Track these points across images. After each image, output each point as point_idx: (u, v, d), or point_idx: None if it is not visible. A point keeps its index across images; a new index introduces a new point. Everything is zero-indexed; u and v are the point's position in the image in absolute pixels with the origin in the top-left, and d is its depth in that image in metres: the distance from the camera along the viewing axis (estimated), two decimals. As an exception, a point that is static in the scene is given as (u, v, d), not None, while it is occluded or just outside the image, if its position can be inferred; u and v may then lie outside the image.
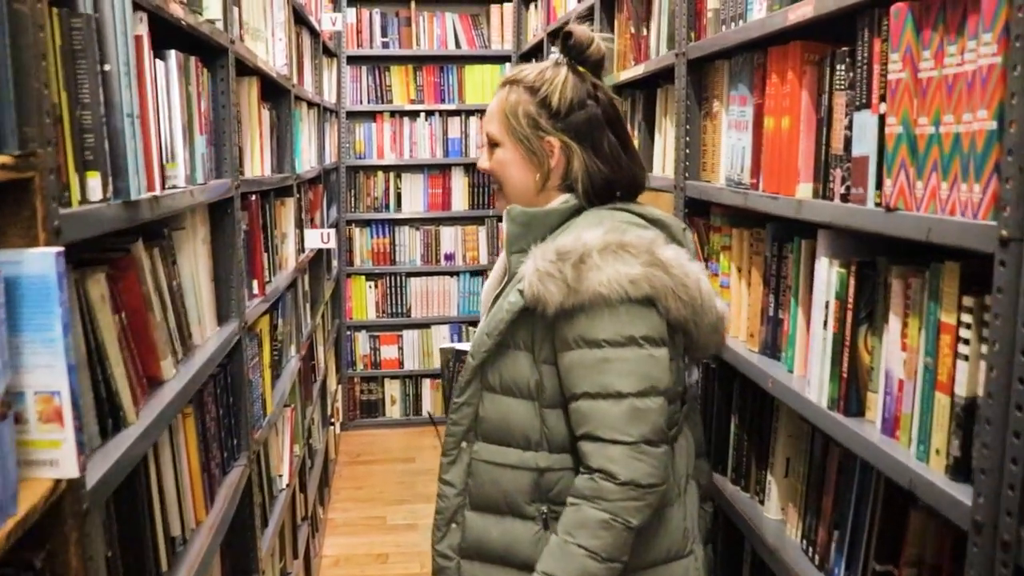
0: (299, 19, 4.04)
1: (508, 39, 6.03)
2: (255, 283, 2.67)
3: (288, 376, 3.29)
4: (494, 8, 6.03)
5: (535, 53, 5.46)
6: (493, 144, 1.73)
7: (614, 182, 1.69)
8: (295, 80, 3.74)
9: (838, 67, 1.55)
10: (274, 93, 3.31)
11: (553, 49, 4.67)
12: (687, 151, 2.39)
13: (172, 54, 1.73)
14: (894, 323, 1.42)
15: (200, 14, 1.90)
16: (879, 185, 1.38)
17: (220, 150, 2.22)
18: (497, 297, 1.71)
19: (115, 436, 1.36)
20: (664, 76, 2.71)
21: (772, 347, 1.93)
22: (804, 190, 1.71)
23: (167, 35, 1.78)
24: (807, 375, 1.69)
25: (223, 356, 2.16)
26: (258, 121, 2.74)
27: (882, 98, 1.37)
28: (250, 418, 2.40)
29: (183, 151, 1.78)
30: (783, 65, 1.77)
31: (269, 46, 3.05)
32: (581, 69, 1.71)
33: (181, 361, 1.81)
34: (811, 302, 1.75)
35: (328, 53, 5.55)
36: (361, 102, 6.02)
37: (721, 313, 1.73)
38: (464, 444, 1.70)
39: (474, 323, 6.14)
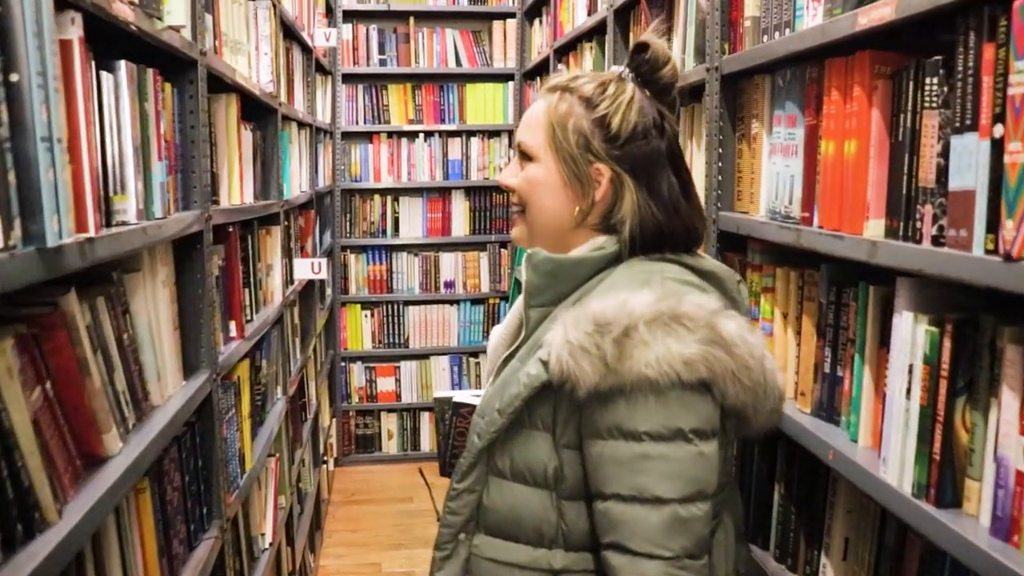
0: (289, 33, 3.77)
1: (511, 56, 5.77)
2: (232, 325, 2.39)
3: (273, 421, 3.00)
4: (496, 24, 5.78)
5: (540, 71, 5.20)
6: (526, 157, 1.44)
7: (667, 233, 1.38)
8: (283, 98, 3.47)
9: (927, 81, 1.27)
10: (258, 112, 3.04)
11: (560, 67, 4.42)
12: (719, 178, 2.11)
13: (122, 65, 1.46)
14: (1008, 398, 1.13)
15: (159, 19, 1.62)
16: (992, 227, 1.10)
17: (188, 177, 1.94)
18: (509, 356, 1.42)
19: (27, 546, 1.07)
20: (690, 94, 2.43)
21: (828, 409, 1.65)
22: (874, 228, 1.43)
23: (126, 45, 1.51)
24: (882, 452, 1.40)
25: (190, 414, 1.87)
26: (237, 143, 2.47)
27: (997, 118, 1.09)
28: (224, 481, 2.11)
29: (135, 181, 1.50)
30: (847, 79, 1.49)
31: (252, 60, 2.78)
32: (647, 92, 1.43)
33: (133, 429, 1.52)
34: (880, 360, 1.47)
35: (322, 71, 5.29)
36: (357, 122, 5.76)
37: (781, 392, 1.42)
38: (462, 536, 1.39)
39: (474, 354, 5.87)
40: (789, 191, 1.74)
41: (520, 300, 1.41)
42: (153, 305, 1.70)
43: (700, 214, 1.45)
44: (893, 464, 1.34)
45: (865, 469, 1.42)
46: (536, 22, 5.43)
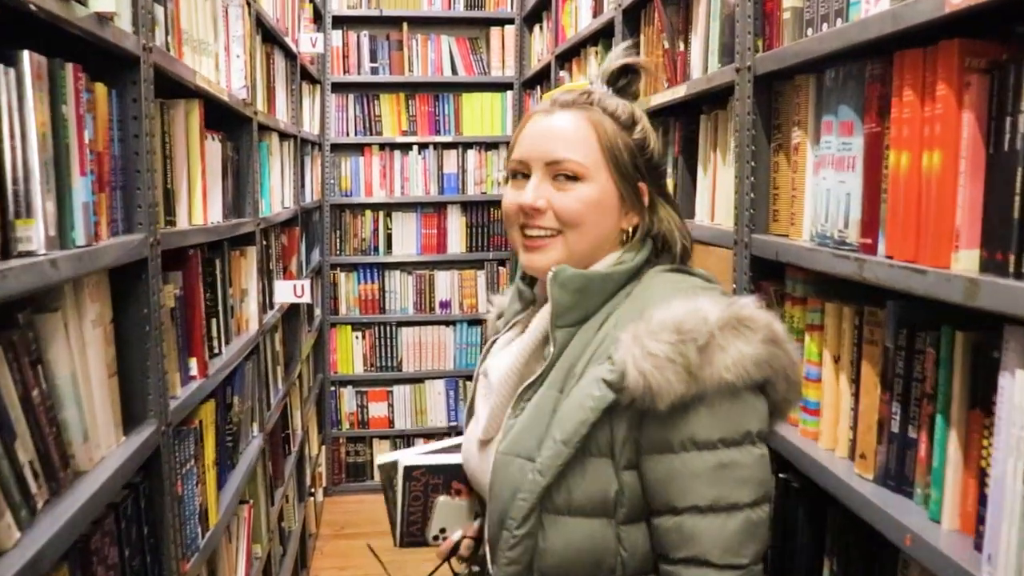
0: (269, 37, 3.49)
1: (510, 64, 5.49)
2: (193, 362, 2.09)
3: (247, 463, 2.70)
4: (494, 31, 5.50)
5: (540, 79, 4.92)
6: (566, 177, 1.34)
7: (685, 245, 1.41)
8: (261, 107, 3.19)
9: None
10: (230, 121, 2.75)
11: (563, 74, 4.13)
12: (751, 196, 1.82)
13: (24, 57, 1.17)
14: None
15: (83, 3, 1.33)
16: None
17: (130, 195, 1.65)
18: (532, 384, 1.31)
19: None
20: (711, 99, 2.15)
21: (898, 477, 1.35)
22: (966, 260, 1.14)
23: (64, 42, 1.23)
24: (985, 546, 1.10)
25: (132, 474, 1.58)
26: (200, 155, 2.18)
27: None
28: (178, 547, 1.82)
29: (43, 201, 1.21)
30: (926, 75, 1.21)
31: (221, 63, 2.49)
32: None
33: (43, 509, 1.23)
34: (973, 424, 1.18)
35: (310, 79, 5.01)
36: (347, 134, 5.48)
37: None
38: None
39: (471, 377, 5.55)
40: (844, 212, 1.45)
41: (536, 324, 1.37)
42: (79, 351, 1.41)
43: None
44: (1003, 564, 1.05)
45: (959, 564, 1.12)
46: (536, 28, 5.15)
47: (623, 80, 1.41)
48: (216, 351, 2.41)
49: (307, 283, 3.51)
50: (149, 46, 1.67)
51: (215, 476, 2.26)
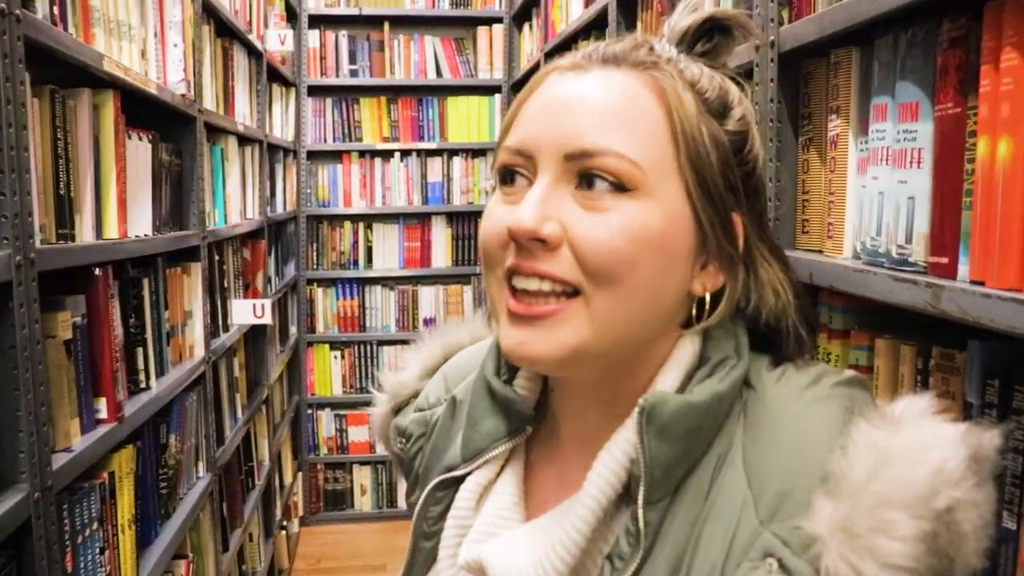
0: (227, 31, 3.15)
1: (498, 66, 5.16)
2: (101, 403, 1.75)
3: (186, 512, 2.34)
4: (481, 30, 5.16)
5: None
6: (610, 184, 0.75)
7: (804, 317, 0.83)
8: (212, 106, 2.84)
9: None
10: (168, 121, 2.41)
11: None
12: (775, 202, 1.48)
13: None
14: None
15: None
16: None
17: (-11, 202, 1.30)
18: None
19: None
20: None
21: (985, 578, 1.00)
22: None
23: None
24: None
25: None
26: (117, 156, 1.83)
27: None
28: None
29: None
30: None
31: (151, 52, 2.15)
32: None
33: None
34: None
35: (282, 81, 4.67)
36: (325, 140, 5.15)
37: None
38: None
39: (458, 399, 5.21)
40: (905, 222, 1.10)
41: (590, 494, 0.76)
42: None
43: None
44: None
45: None
46: (526, 27, 4.83)
47: (705, 45, 0.83)
48: (143, 385, 2.07)
49: (268, 303, 3.16)
50: (17, 14, 1.32)
51: (134, 536, 1.91)
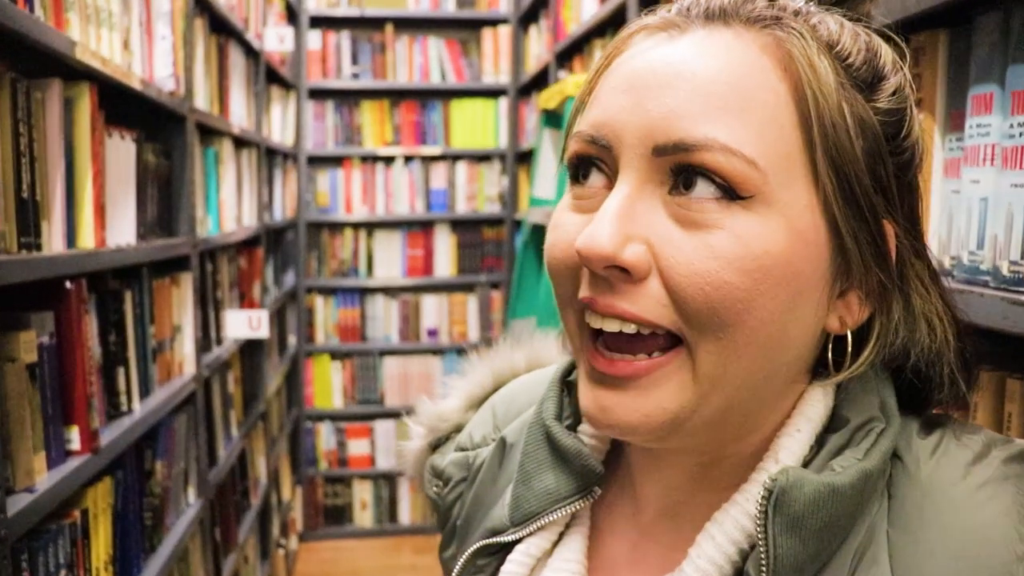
0: (222, 27, 2.97)
1: (504, 69, 4.98)
2: (73, 433, 1.56)
3: (173, 543, 2.15)
4: (486, 32, 4.99)
5: (538, 86, 4.40)
6: (719, 189, 0.56)
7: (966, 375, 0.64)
8: (205, 106, 2.66)
9: None
10: (156, 120, 2.23)
11: (563, 75, 3.59)
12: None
13: None
14: None
15: None
16: None
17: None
18: None
19: None
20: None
21: None
22: None
23: None
24: None
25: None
26: (93, 156, 1.65)
27: None
28: None
29: None
30: None
31: (135, 43, 1.97)
32: None
33: None
34: None
35: (282, 83, 4.50)
36: (325, 144, 4.98)
37: None
38: None
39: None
40: (1020, 233, 0.92)
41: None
42: None
43: None
44: None
45: None
46: (533, 29, 4.65)
47: None
48: (124, 409, 1.89)
49: (264, 315, 2.98)
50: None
51: (111, 579, 1.72)
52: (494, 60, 5.02)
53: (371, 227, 5.05)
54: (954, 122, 1.08)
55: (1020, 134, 0.92)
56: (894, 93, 0.60)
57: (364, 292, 5.07)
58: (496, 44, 5.02)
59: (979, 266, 0.99)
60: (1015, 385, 0.97)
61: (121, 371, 1.88)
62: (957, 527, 0.56)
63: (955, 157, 1.07)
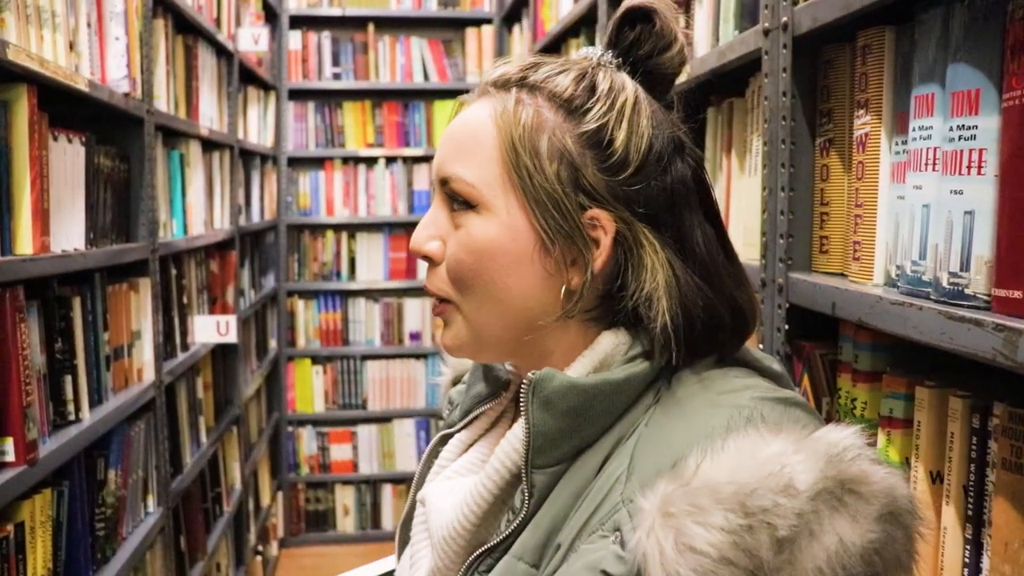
0: (188, 27, 2.92)
1: (487, 70, 4.92)
2: (8, 444, 1.51)
3: (128, 554, 2.10)
4: (470, 32, 4.94)
5: (519, 84, 4.36)
6: (461, 204, 0.87)
7: (719, 318, 0.84)
8: (170, 108, 2.61)
9: None
10: (111, 122, 2.18)
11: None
12: (788, 216, 1.25)
13: None
14: None
15: None
16: None
17: None
18: (489, 551, 0.83)
19: None
20: (723, 84, 1.58)
21: None
22: None
23: None
24: None
25: None
26: (32, 161, 1.60)
27: None
28: None
29: None
30: None
31: (83, 44, 1.91)
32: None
33: None
34: None
35: (260, 84, 4.44)
36: (306, 146, 4.93)
37: None
38: None
39: (443, 417, 4.99)
40: (961, 244, 0.87)
41: (501, 454, 0.86)
42: None
43: (743, 277, 0.91)
44: None
45: None
46: (516, 28, 4.61)
47: (628, 34, 0.87)
48: (71, 417, 1.84)
49: (232, 320, 2.93)
50: None
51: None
52: (478, 60, 4.97)
53: (353, 229, 4.99)
54: (900, 124, 1.03)
55: (960, 137, 0.87)
56: (599, 114, 0.83)
57: (346, 295, 5.02)
58: (479, 44, 4.97)
59: (921, 276, 0.94)
60: (959, 404, 0.92)
61: (68, 379, 1.82)
62: (683, 424, 0.77)
63: (901, 161, 1.02)
